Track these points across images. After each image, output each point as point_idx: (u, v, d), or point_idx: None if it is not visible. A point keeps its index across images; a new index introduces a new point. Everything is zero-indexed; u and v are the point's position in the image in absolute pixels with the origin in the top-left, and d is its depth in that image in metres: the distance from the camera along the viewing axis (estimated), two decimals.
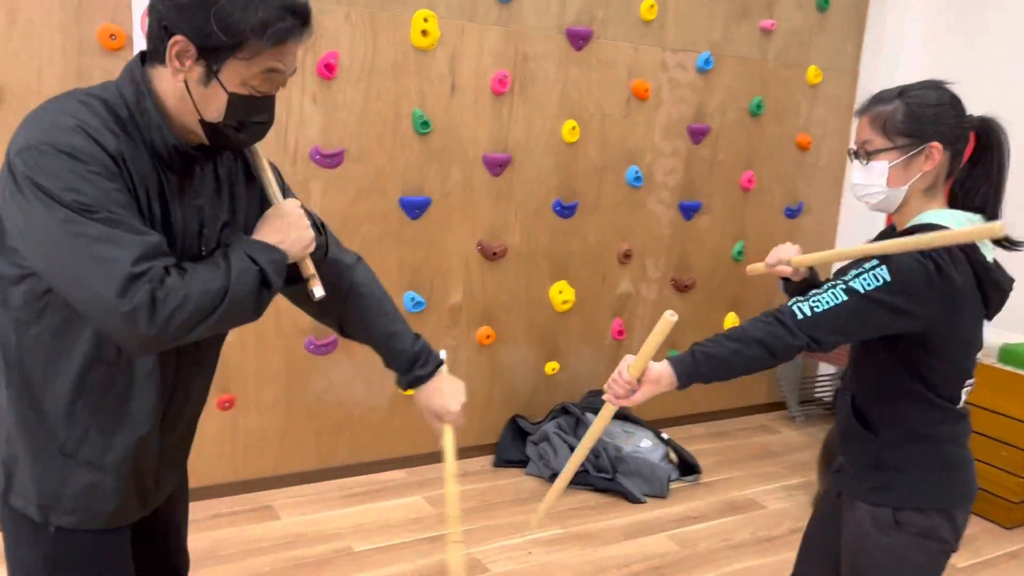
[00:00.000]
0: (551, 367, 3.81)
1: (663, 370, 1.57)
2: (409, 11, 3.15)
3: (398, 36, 3.16)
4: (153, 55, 1.28)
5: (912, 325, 1.51)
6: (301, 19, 1.27)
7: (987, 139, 1.63)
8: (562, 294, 3.74)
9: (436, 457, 3.51)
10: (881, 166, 1.60)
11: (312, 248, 1.41)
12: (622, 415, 3.75)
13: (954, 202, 1.65)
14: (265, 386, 3.19)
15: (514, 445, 3.67)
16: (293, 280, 1.42)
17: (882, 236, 1.75)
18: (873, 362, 1.64)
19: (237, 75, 1.26)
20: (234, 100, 1.27)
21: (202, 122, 1.29)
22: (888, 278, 1.48)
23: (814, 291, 1.53)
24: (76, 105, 1.24)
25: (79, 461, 1.32)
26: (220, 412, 3.11)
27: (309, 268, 1.43)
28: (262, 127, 1.35)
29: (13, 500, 1.35)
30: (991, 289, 1.60)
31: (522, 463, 3.63)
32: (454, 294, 3.50)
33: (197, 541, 2.81)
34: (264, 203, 1.46)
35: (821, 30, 4.19)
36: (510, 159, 3.49)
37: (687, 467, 3.65)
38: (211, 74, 1.25)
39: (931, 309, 1.50)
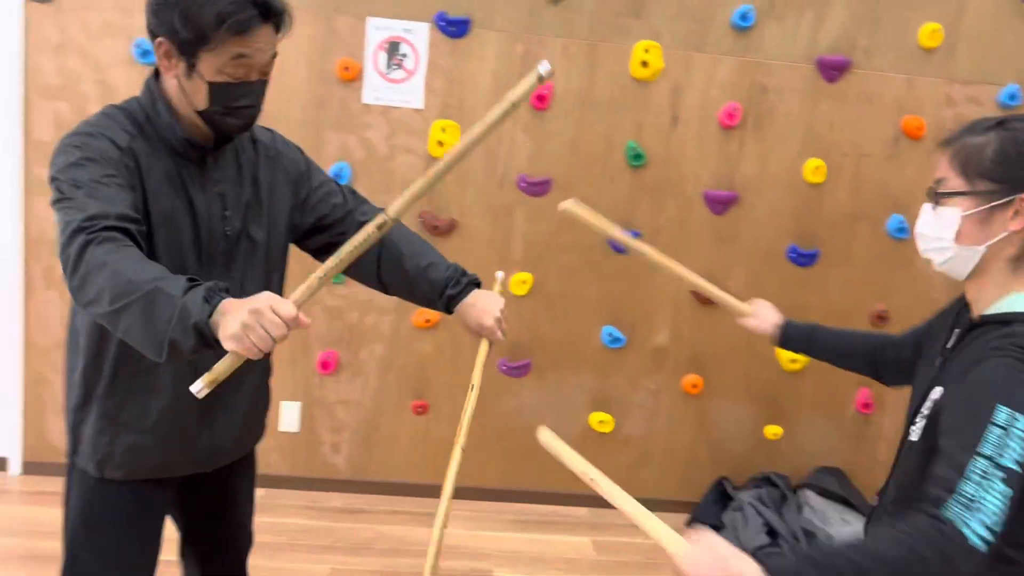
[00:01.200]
0: (772, 431, 3.43)
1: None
2: (631, 42, 3.10)
3: (617, 68, 3.12)
4: (159, 71, 1.48)
5: None
6: (259, 9, 1.39)
7: None
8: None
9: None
10: (952, 214, 1.24)
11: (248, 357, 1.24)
12: (843, 499, 3.23)
13: None
14: (458, 398, 3.32)
15: (715, 508, 3.36)
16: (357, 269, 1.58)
17: (949, 315, 1.35)
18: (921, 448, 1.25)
19: (211, 65, 1.39)
20: (214, 88, 1.41)
21: (198, 112, 1.45)
22: None
23: (961, 491, 1.07)
24: (99, 116, 1.47)
25: (122, 424, 1.53)
26: (414, 416, 3.33)
27: (225, 368, 1.29)
28: (248, 111, 1.47)
29: (77, 459, 1.59)
30: None
31: (718, 528, 3.31)
32: (658, 335, 3.32)
33: (362, 531, 3.06)
34: (294, 185, 1.64)
35: None
36: (736, 197, 3.23)
37: None
38: (191, 67, 1.41)
39: None
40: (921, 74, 3.19)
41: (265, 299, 1.20)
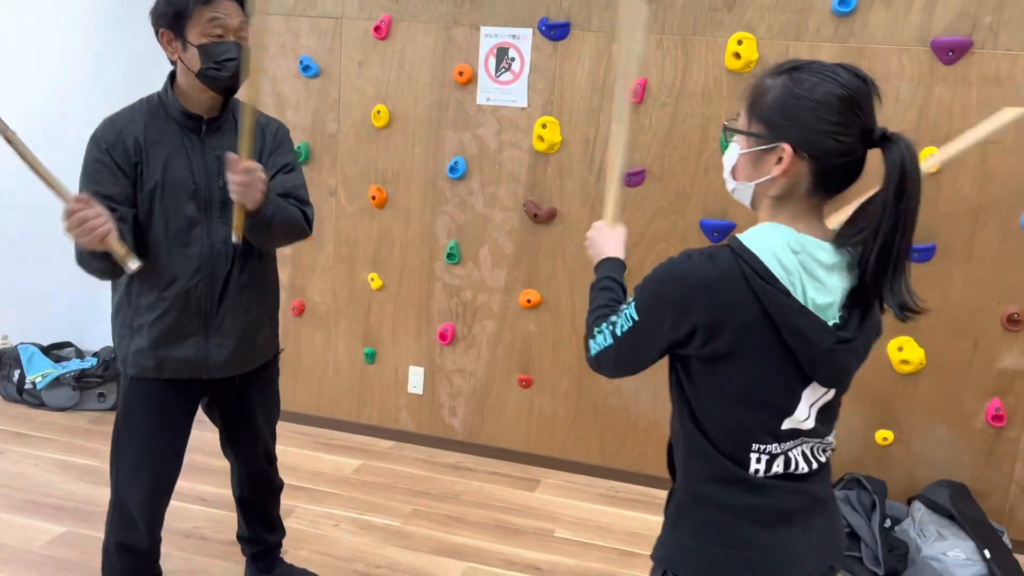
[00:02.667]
0: (882, 436, 3.24)
1: (606, 252, 1.58)
2: (725, 34, 3.15)
3: (711, 60, 3.19)
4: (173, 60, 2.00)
5: (684, 348, 1.29)
6: None
7: (885, 164, 1.22)
8: (902, 352, 3.15)
9: None
10: (734, 150, 1.33)
11: (105, 236, 1.81)
12: (948, 512, 2.98)
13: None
14: (560, 375, 3.58)
15: None
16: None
17: None
18: (672, 386, 1.37)
19: (195, 31, 1.91)
20: (201, 48, 1.92)
21: (197, 76, 1.93)
22: (635, 317, 1.31)
23: (602, 323, 1.39)
24: (127, 108, 2.01)
25: (133, 331, 2.07)
26: (520, 389, 3.63)
27: (117, 250, 1.85)
28: (230, 63, 1.94)
29: (119, 365, 2.16)
30: (790, 335, 1.19)
31: None
32: None
33: (458, 484, 3.44)
34: (269, 152, 2.10)
35: None
36: None
37: None
38: (184, 41, 1.91)
39: (681, 336, 1.26)
40: None
41: None
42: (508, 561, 2.88)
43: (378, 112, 3.55)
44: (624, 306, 1.33)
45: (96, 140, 1.98)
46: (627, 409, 3.52)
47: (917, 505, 3.09)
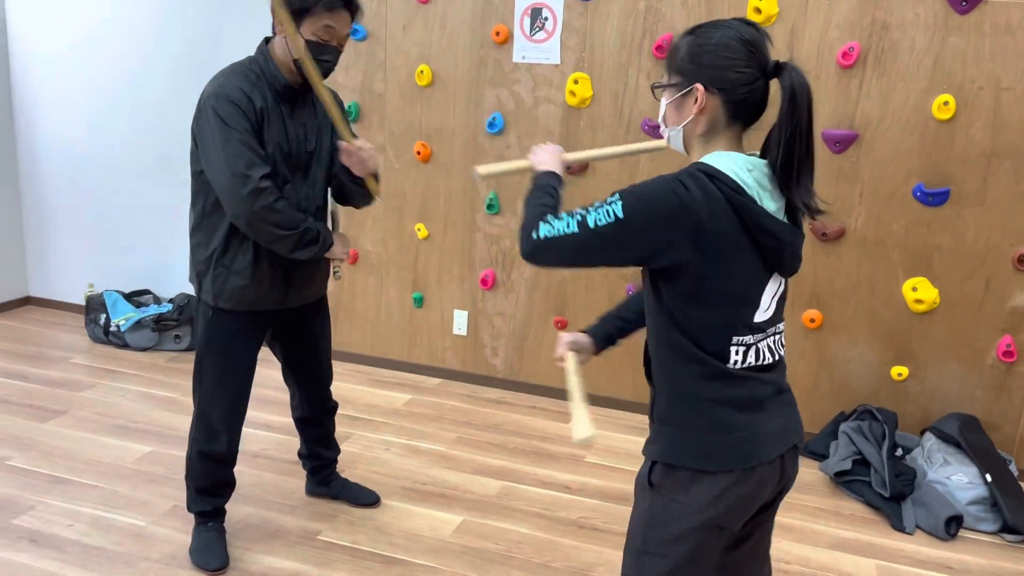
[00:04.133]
0: (897, 372, 3.42)
1: (541, 167, 1.73)
2: None
3: (733, 15, 3.33)
4: (270, 39, 2.30)
5: (654, 259, 1.47)
6: (344, 1, 2.20)
7: (781, 88, 1.45)
8: (916, 292, 3.32)
9: None
10: (663, 103, 1.58)
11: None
12: (955, 441, 3.16)
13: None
14: (592, 315, 3.81)
15: (827, 439, 3.47)
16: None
17: None
18: (649, 306, 1.59)
19: (309, 29, 2.20)
20: (309, 43, 2.20)
21: (294, 61, 2.23)
22: (620, 215, 1.43)
23: (559, 215, 1.49)
24: (234, 73, 2.28)
25: (232, 272, 2.37)
26: (555, 329, 3.89)
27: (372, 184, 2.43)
28: (327, 64, 2.26)
29: (203, 296, 2.47)
30: (762, 237, 1.43)
31: (823, 456, 3.43)
32: None
33: (499, 416, 3.74)
34: (335, 134, 2.41)
35: None
36: (856, 136, 3.29)
37: (1008, 526, 2.93)
38: (296, 29, 2.19)
39: (671, 246, 1.44)
40: None
41: None
42: (541, 481, 3.18)
43: (421, 72, 3.81)
44: (601, 204, 1.44)
45: (229, 100, 2.19)
46: None
47: (928, 436, 3.28)
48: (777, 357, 1.58)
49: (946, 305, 3.33)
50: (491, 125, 3.76)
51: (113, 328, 4.30)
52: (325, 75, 2.27)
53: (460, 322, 4.05)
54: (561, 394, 3.92)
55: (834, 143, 3.31)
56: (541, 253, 1.48)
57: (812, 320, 3.48)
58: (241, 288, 2.36)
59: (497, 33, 3.67)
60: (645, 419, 3.74)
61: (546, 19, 3.59)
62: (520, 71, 3.69)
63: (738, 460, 1.51)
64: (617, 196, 1.45)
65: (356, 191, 2.46)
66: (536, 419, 3.74)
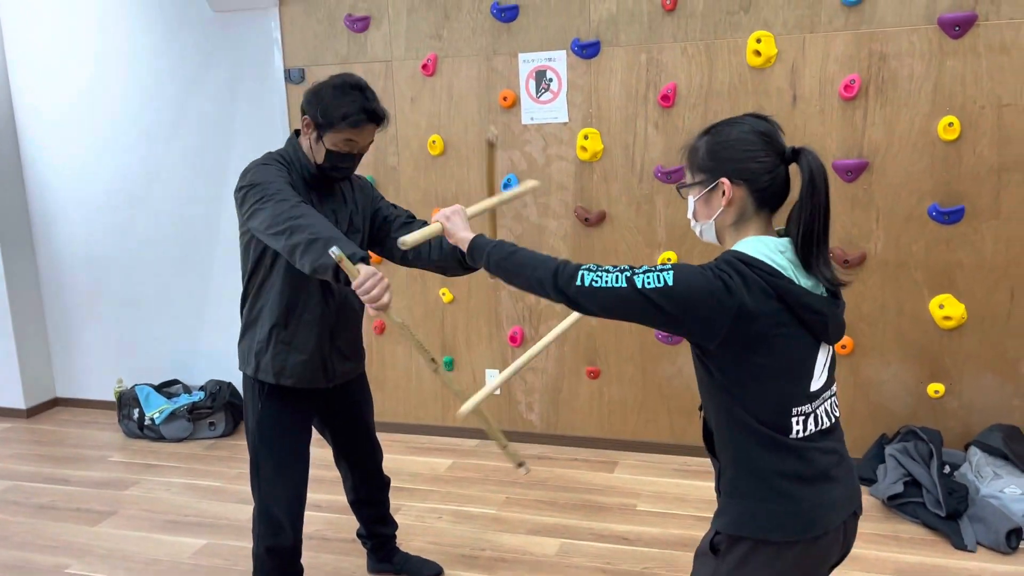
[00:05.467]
0: (934, 389, 3.46)
1: (466, 235, 1.84)
2: (744, 35, 3.42)
3: (734, 60, 3.46)
4: (300, 131, 2.38)
5: (697, 337, 1.54)
6: (369, 115, 2.27)
7: (800, 170, 1.56)
8: (943, 309, 3.37)
9: None
10: (691, 201, 1.67)
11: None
12: (1002, 454, 3.19)
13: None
14: (624, 363, 3.87)
15: (873, 463, 3.50)
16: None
17: None
18: (703, 383, 1.64)
19: (331, 140, 2.28)
20: (330, 153, 2.29)
21: (316, 165, 2.32)
22: (670, 283, 1.49)
23: (606, 267, 1.58)
24: (267, 164, 2.34)
25: (292, 347, 2.40)
26: (589, 380, 3.93)
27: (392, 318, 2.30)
28: (345, 170, 2.34)
29: (260, 375, 2.48)
30: (806, 314, 1.50)
31: (872, 481, 3.45)
32: None
33: (543, 472, 3.75)
34: (370, 201, 2.50)
35: None
36: (866, 164, 3.37)
37: None
38: (319, 138, 2.28)
39: (715, 328, 1.49)
40: None
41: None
42: (598, 535, 3.19)
43: (433, 142, 3.90)
44: (652, 269, 1.51)
45: (267, 166, 2.26)
46: (690, 388, 3.79)
47: (973, 450, 3.31)
48: (834, 419, 1.64)
49: (974, 319, 3.38)
50: (506, 186, 3.83)
51: (147, 422, 4.32)
52: (342, 179, 2.38)
53: (492, 381, 4.08)
54: (603, 444, 3.94)
55: (845, 172, 3.39)
56: (584, 299, 1.58)
57: (843, 346, 3.53)
58: (302, 363, 2.40)
59: (504, 98, 3.76)
60: (687, 460, 3.83)
61: (551, 80, 3.70)
62: (530, 132, 3.78)
63: (803, 530, 1.55)
64: (670, 266, 1.53)
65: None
66: (580, 472, 3.75)
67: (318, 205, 2.35)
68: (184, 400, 4.39)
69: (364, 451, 2.71)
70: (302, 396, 2.47)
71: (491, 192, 2.30)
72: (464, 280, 4.01)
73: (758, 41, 3.39)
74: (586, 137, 3.68)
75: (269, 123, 4.16)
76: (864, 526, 3.11)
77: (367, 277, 1.89)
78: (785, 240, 1.56)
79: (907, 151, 3.33)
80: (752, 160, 1.55)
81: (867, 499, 3.35)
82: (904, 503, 3.19)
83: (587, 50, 3.62)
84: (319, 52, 4.02)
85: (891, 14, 3.25)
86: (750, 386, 1.54)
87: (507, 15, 3.71)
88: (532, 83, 3.73)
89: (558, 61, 3.67)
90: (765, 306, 1.49)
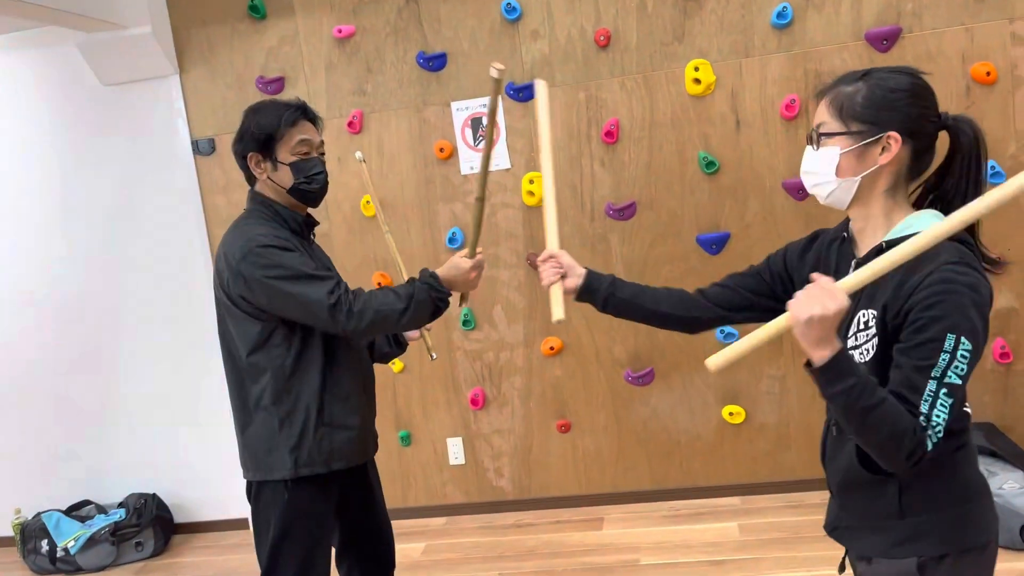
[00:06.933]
0: None
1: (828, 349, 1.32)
2: (680, 65, 3.40)
3: (674, 90, 3.43)
4: (250, 180, 2.12)
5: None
6: (299, 109, 2.09)
7: (958, 141, 1.41)
8: None
9: (776, 487, 3.57)
10: (832, 152, 1.45)
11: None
12: (990, 451, 3.20)
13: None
14: (595, 412, 3.69)
15: None
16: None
17: (824, 248, 1.57)
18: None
19: (284, 151, 2.08)
20: (292, 165, 2.08)
21: (290, 191, 2.08)
22: (971, 348, 1.31)
23: (924, 410, 1.30)
24: (247, 226, 2.08)
25: (335, 427, 2.10)
26: (560, 435, 3.71)
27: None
28: (319, 176, 2.12)
29: (303, 470, 2.08)
30: None
31: None
32: None
33: (528, 541, 3.49)
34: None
35: None
36: None
37: None
38: (273, 160, 2.07)
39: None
40: (979, 20, 3.21)
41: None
42: None
43: (367, 202, 3.65)
44: (948, 354, 1.29)
45: (265, 247, 2.01)
46: (667, 429, 3.65)
47: None
48: None
49: None
50: (451, 240, 3.63)
51: (60, 553, 3.74)
52: (322, 189, 2.15)
53: (455, 450, 3.80)
54: (584, 501, 3.71)
55: (796, 191, 3.40)
56: (933, 452, 1.29)
57: None
58: (351, 440, 2.15)
59: (441, 149, 3.58)
60: (674, 505, 3.65)
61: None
62: (470, 182, 3.61)
63: (995, 523, 1.44)
64: (958, 337, 1.29)
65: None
66: (567, 534, 3.50)
67: (306, 250, 2.14)
68: (101, 522, 3.84)
69: (380, 538, 2.36)
70: (331, 482, 2.17)
71: (489, 142, 2.11)
72: (413, 346, 3.74)
73: (696, 69, 3.38)
74: (531, 182, 3.54)
75: (180, 200, 3.80)
76: None
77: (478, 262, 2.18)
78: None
79: None
80: (926, 118, 1.39)
81: None
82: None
83: (523, 93, 3.50)
84: (229, 119, 3.71)
85: (820, 33, 3.31)
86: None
87: (435, 64, 3.55)
88: (468, 131, 3.57)
89: None
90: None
